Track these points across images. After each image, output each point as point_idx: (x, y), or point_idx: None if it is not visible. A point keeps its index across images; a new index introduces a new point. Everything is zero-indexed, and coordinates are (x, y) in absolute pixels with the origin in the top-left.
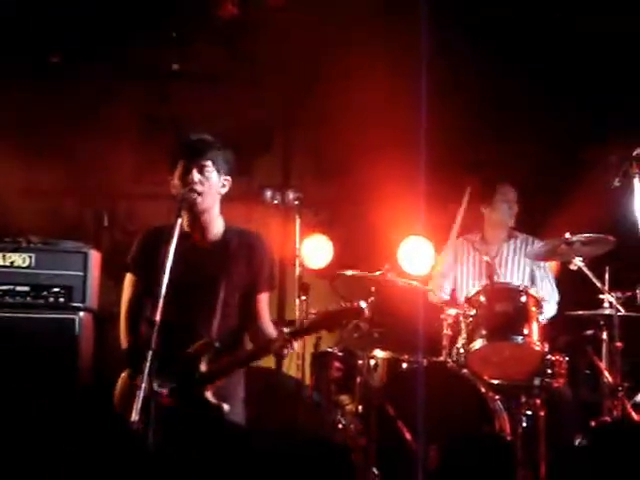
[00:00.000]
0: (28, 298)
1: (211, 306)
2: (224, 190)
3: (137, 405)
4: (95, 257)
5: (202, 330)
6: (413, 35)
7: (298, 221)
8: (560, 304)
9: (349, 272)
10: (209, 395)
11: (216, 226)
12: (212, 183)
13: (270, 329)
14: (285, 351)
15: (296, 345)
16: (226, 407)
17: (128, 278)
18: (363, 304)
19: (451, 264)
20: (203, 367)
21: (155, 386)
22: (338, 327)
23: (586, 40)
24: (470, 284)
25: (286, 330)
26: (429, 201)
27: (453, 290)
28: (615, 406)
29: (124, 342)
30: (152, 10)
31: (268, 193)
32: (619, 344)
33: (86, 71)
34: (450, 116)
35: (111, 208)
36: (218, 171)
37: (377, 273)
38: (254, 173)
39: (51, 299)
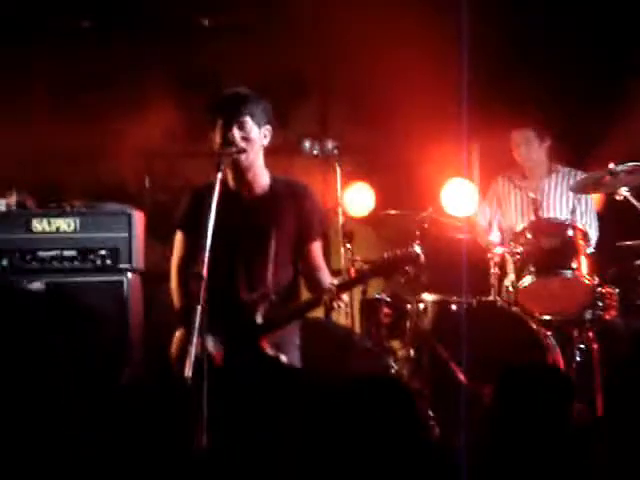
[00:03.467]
0: (75, 262)
1: (264, 258)
2: (266, 141)
3: (189, 361)
4: (139, 218)
5: (256, 283)
6: None
7: (338, 170)
8: (606, 237)
9: (393, 212)
10: (266, 346)
11: (262, 179)
12: (253, 137)
13: (327, 277)
14: (335, 304)
15: (345, 297)
16: (283, 358)
17: (178, 236)
18: (418, 249)
19: (495, 208)
20: (259, 319)
21: (209, 346)
22: (394, 274)
23: None
24: (516, 222)
25: (334, 282)
26: (471, 142)
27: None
28: None
29: (177, 301)
30: None
31: (307, 143)
32: None
33: (117, 33)
34: (490, 52)
35: (150, 169)
36: (258, 124)
37: (423, 214)
38: (291, 124)
39: (98, 262)
